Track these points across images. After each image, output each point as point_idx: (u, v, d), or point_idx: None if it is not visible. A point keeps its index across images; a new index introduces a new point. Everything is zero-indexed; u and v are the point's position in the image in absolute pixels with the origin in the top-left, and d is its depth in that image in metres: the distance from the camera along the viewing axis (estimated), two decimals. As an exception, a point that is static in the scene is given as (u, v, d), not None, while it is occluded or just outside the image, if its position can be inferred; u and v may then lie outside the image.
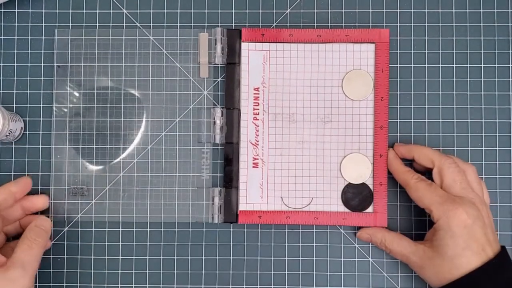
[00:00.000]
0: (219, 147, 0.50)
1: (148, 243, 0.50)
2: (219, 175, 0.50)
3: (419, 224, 0.50)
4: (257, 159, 0.50)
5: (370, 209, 0.49)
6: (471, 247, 0.42)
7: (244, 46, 0.50)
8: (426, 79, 0.50)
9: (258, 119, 0.50)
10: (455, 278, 0.43)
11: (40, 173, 0.50)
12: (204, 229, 0.50)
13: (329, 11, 0.51)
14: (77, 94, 0.50)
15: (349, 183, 0.49)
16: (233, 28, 0.51)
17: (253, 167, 0.50)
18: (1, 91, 0.51)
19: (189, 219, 0.50)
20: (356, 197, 0.49)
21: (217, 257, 0.50)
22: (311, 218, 0.49)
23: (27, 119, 0.50)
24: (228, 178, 0.50)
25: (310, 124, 0.50)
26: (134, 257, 0.50)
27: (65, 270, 0.50)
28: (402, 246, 0.46)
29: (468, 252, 0.42)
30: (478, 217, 0.43)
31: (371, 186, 0.49)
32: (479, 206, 0.44)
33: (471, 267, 0.42)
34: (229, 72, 0.50)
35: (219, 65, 0.51)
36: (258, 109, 0.50)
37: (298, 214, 0.49)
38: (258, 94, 0.50)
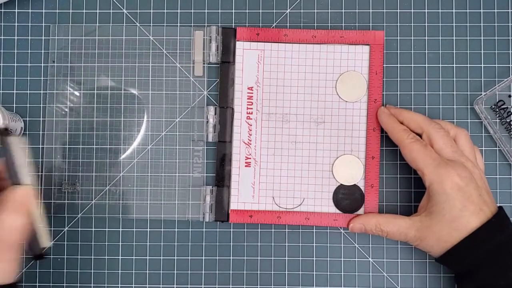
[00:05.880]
0: (211, 146, 0.50)
1: (148, 243, 0.50)
2: (211, 174, 0.50)
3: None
4: (250, 158, 0.50)
5: (361, 211, 0.49)
6: (468, 208, 0.42)
7: (239, 45, 0.50)
8: (426, 79, 0.50)
9: (251, 119, 0.50)
10: (456, 241, 0.42)
11: (40, 173, 0.50)
12: (204, 229, 0.50)
13: (329, 11, 0.51)
14: (77, 94, 0.50)
15: (341, 184, 0.49)
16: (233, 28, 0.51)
17: (245, 166, 0.50)
18: (1, 91, 0.51)
19: (176, 218, 0.49)
20: (348, 198, 0.49)
21: (217, 257, 0.50)
22: (302, 219, 0.49)
23: (27, 119, 0.50)
24: (220, 177, 0.49)
25: (303, 125, 0.50)
26: (134, 257, 0.50)
27: (65, 270, 0.50)
28: (398, 225, 0.45)
29: (466, 213, 0.42)
30: (471, 179, 0.43)
31: (362, 188, 0.49)
32: (471, 169, 0.44)
33: (471, 227, 0.42)
34: (224, 70, 0.50)
35: (214, 64, 0.50)
36: (251, 108, 0.50)
37: (289, 214, 0.49)
38: (252, 93, 0.50)
